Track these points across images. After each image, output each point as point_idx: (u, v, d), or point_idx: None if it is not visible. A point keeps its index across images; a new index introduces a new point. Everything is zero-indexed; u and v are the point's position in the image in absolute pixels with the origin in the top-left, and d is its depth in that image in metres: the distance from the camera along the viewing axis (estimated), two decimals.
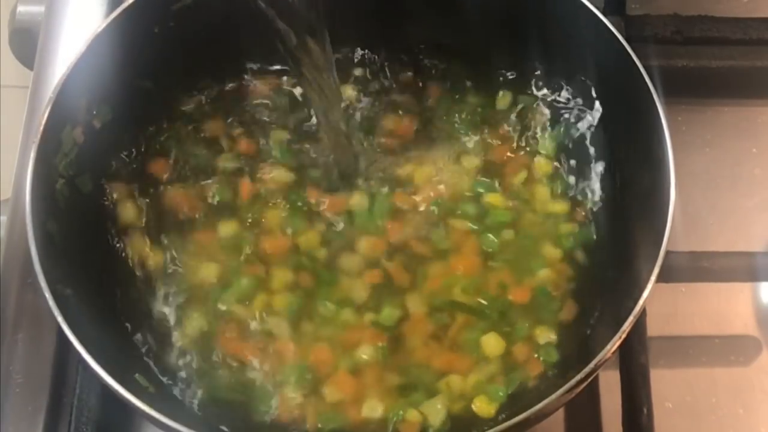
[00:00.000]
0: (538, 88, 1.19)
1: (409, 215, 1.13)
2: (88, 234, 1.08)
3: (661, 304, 1.17)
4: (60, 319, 0.92)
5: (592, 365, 0.92)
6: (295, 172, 1.15)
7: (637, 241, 1.06)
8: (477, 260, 1.11)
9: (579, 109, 1.17)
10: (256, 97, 1.20)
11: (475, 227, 1.12)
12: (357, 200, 1.13)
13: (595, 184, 1.14)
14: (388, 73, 1.22)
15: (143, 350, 1.05)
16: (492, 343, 1.06)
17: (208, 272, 1.09)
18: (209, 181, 1.14)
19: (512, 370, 1.05)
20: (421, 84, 1.22)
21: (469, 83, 1.21)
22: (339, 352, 1.05)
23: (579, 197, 1.15)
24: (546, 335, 1.06)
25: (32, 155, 0.99)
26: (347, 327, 1.07)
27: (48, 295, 0.93)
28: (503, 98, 1.20)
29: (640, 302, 0.95)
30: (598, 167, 1.15)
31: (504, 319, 1.08)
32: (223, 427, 1.01)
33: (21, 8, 1.32)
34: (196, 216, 1.12)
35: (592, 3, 1.09)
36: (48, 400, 1.08)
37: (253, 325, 1.07)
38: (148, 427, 1.09)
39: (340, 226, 1.12)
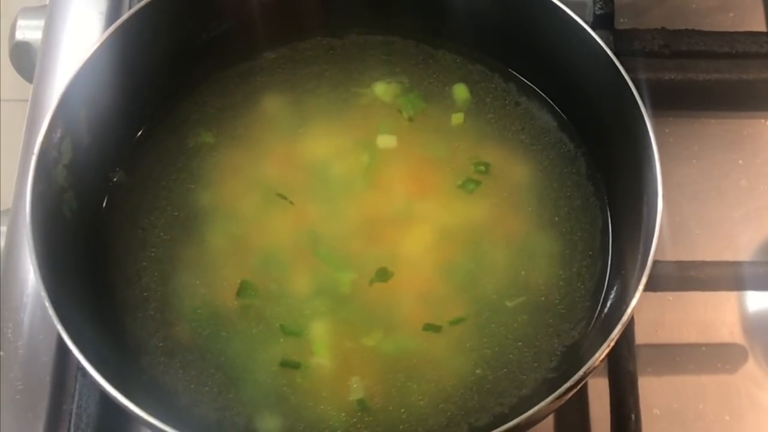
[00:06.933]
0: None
1: None
2: (88, 243, 1.09)
3: (648, 313, 1.18)
4: (59, 326, 0.93)
5: (581, 373, 0.93)
6: None
7: (625, 251, 1.08)
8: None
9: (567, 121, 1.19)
10: None
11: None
12: None
13: None
14: None
15: (143, 357, 1.06)
16: None
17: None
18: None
19: None
20: None
21: None
22: None
23: None
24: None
25: (32, 166, 1.00)
26: None
27: (48, 303, 0.94)
28: None
29: (628, 311, 0.95)
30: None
31: None
32: None
33: (21, 22, 1.33)
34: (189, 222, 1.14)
35: (581, 17, 1.09)
36: (48, 406, 1.09)
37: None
38: None
39: None
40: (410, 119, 1.19)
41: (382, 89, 1.22)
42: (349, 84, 1.22)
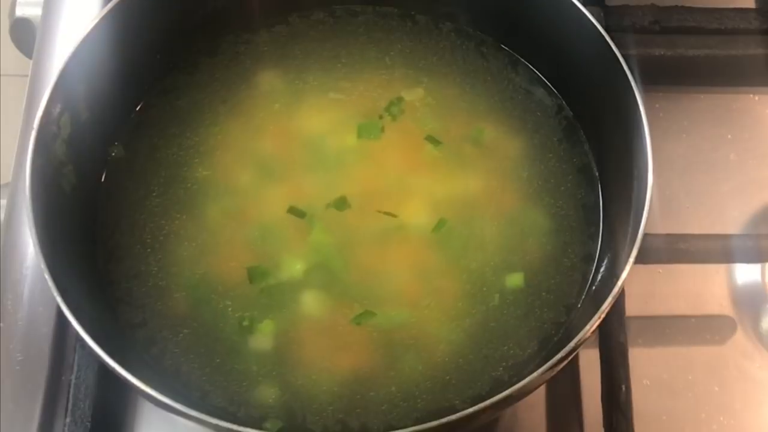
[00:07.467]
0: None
1: None
2: (87, 216, 1.10)
3: (639, 285, 1.19)
4: (59, 299, 0.93)
5: (572, 344, 0.93)
6: None
7: (615, 224, 1.09)
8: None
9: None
10: None
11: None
12: None
13: None
14: None
15: (139, 328, 1.07)
16: None
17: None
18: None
19: None
20: None
21: None
22: None
23: None
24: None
25: (32, 141, 1.00)
26: None
27: (47, 276, 0.94)
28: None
29: (619, 283, 0.96)
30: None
31: None
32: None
33: None
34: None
35: None
36: (47, 377, 1.10)
37: None
38: (145, 405, 1.12)
39: None
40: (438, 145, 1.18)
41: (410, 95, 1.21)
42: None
